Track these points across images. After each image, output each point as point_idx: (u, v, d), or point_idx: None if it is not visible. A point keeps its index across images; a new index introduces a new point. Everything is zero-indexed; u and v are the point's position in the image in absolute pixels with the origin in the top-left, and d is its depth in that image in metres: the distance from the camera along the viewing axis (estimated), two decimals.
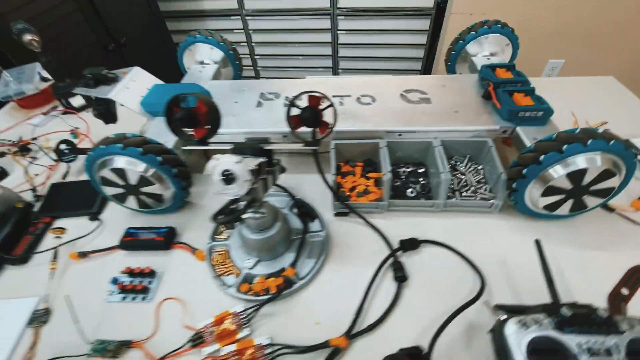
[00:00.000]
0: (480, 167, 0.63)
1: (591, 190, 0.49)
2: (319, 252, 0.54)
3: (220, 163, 0.38)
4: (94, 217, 0.63)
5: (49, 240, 0.61)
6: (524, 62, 0.78)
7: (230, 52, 0.84)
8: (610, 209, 0.57)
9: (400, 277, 0.50)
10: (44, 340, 0.49)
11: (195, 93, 0.46)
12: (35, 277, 0.56)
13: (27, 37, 0.74)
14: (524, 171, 0.50)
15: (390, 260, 0.52)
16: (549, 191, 0.50)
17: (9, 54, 1.02)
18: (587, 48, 1.51)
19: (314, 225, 0.58)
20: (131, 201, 0.59)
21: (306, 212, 0.59)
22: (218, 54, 0.84)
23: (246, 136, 0.63)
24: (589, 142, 0.45)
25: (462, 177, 0.62)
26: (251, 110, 0.67)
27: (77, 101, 0.90)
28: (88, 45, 1.25)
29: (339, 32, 1.88)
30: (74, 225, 0.63)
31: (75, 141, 0.75)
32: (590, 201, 0.51)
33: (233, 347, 0.44)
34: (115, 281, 0.53)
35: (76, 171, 0.74)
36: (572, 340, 0.35)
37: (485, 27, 0.75)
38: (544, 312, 0.38)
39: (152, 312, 0.50)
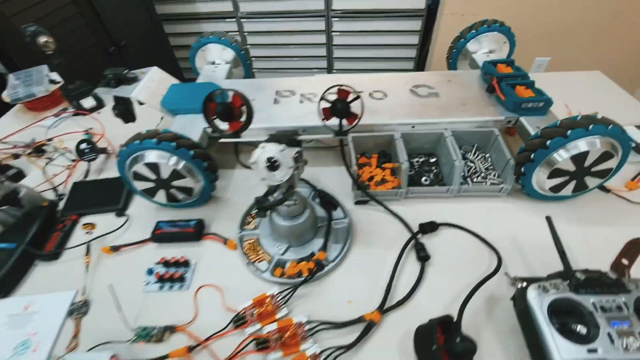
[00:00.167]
0: (487, 156, 0.67)
1: (592, 172, 0.54)
2: (345, 237, 0.58)
3: (266, 151, 0.41)
4: (121, 213, 0.65)
5: (77, 236, 0.63)
6: None
7: (242, 52, 0.87)
8: (607, 190, 0.63)
9: (424, 256, 0.54)
10: (85, 330, 0.50)
11: (230, 88, 0.49)
12: (67, 272, 0.58)
13: (42, 40, 0.75)
14: (532, 155, 0.54)
15: (412, 242, 0.56)
16: (554, 173, 0.55)
17: (14, 57, 1.01)
18: (572, 46, 1.60)
19: (337, 214, 0.61)
20: (160, 195, 0.61)
21: (328, 202, 0.62)
22: (229, 54, 0.87)
23: (268, 131, 0.65)
24: (590, 127, 0.50)
25: (472, 165, 0.66)
26: (269, 107, 0.70)
27: (87, 102, 0.92)
28: (89, 48, 1.25)
29: (333, 33, 1.93)
30: (101, 222, 0.64)
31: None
32: (591, 182, 0.56)
33: (274, 326, 0.47)
34: (150, 272, 0.55)
35: (96, 170, 0.76)
36: (586, 300, 0.40)
37: (485, 25, 0.80)
38: (560, 278, 0.43)
39: (190, 299, 0.52)
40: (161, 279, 0.54)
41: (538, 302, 0.41)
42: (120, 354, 0.46)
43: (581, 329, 0.39)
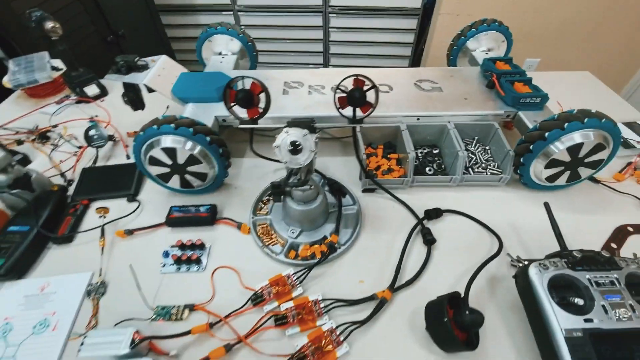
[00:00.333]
0: (487, 148, 0.71)
1: (585, 162, 0.58)
2: (354, 222, 0.60)
3: (290, 135, 0.43)
4: (132, 198, 0.66)
5: (89, 220, 0.63)
6: None
7: (249, 43, 0.88)
8: (597, 181, 0.67)
9: (430, 239, 0.57)
10: (103, 310, 0.52)
11: (248, 76, 0.51)
12: (81, 255, 0.58)
13: (49, 25, 0.75)
14: (531, 147, 0.58)
15: (419, 227, 0.59)
16: (551, 164, 0.58)
17: (14, 43, 1.00)
18: (560, 48, 1.66)
19: (346, 200, 0.64)
20: (174, 181, 0.62)
21: (338, 189, 0.64)
22: (236, 45, 0.88)
23: (279, 121, 0.67)
24: (586, 120, 0.54)
25: (472, 156, 0.70)
26: (279, 98, 0.72)
27: (91, 90, 0.91)
28: (88, 36, 1.24)
29: (330, 29, 1.95)
30: (112, 207, 0.65)
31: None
32: (583, 172, 0.61)
33: (290, 304, 0.50)
34: (167, 254, 0.57)
35: (103, 157, 0.76)
36: (582, 276, 0.44)
37: (485, 24, 0.84)
38: (558, 257, 0.47)
39: (206, 280, 0.54)
40: (178, 261, 0.55)
41: (539, 278, 0.44)
42: (142, 331, 0.48)
43: (578, 301, 0.42)
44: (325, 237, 0.58)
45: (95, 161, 0.73)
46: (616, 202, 0.64)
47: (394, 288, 0.51)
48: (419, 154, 0.72)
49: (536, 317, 0.44)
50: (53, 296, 0.53)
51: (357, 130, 0.67)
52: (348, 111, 0.53)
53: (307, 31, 1.97)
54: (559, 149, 0.56)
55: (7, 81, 0.87)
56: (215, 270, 0.55)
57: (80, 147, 0.77)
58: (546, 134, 0.56)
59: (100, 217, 0.61)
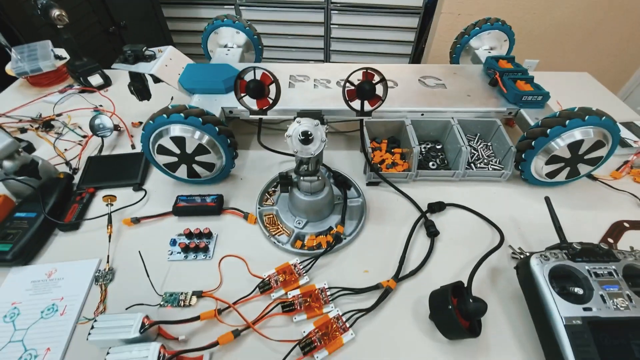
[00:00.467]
0: (489, 144, 0.72)
1: (585, 159, 0.60)
2: (359, 214, 0.62)
3: (302, 125, 0.43)
4: (138, 187, 0.66)
5: (95, 208, 0.64)
6: None
7: (255, 37, 0.88)
8: (594, 178, 0.69)
9: (433, 232, 0.58)
10: (112, 296, 0.52)
11: (260, 67, 0.51)
12: (88, 242, 0.59)
13: (55, 12, 0.75)
14: (533, 143, 0.59)
15: (422, 220, 0.61)
16: (552, 160, 0.60)
17: (17, 31, 0.99)
18: (559, 49, 1.69)
19: (351, 193, 0.65)
20: (182, 170, 0.62)
21: (343, 182, 0.65)
22: (242, 38, 0.88)
23: (285, 114, 0.68)
24: (587, 117, 0.56)
25: (475, 152, 0.71)
26: (285, 91, 0.72)
27: (95, 80, 0.91)
28: (90, 26, 1.23)
29: (332, 26, 1.95)
30: (118, 195, 0.65)
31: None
32: (583, 169, 0.62)
33: (297, 292, 0.51)
34: (174, 242, 0.57)
35: (108, 146, 0.76)
36: (582, 267, 0.45)
37: (488, 23, 0.85)
38: (558, 249, 0.48)
39: (214, 268, 0.55)
40: (186, 249, 0.56)
41: (540, 269, 0.46)
42: (151, 317, 0.48)
43: (578, 291, 0.44)
44: (331, 228, 0.59)
45: (100, 150, 0.73)
46: (613, 199, 0.66)
47: (398, 278, 0.52)
48: (423, 149, 0.73)
49: (537, 306, 0.45)
50: (61, 282, 0.53)
51: (358, 128, 0.68)
52: (355, 105, 0.54)
53: (309, 27, 1.97)
54: (559, 145, 0.58)
55: (10, 69, 0.87)
56: (222, 258, 0.56)
57: (85, 136, 0.78)
58: (548, 131, 0.58)
59: (107, 205, 0.61)
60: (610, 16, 1.56)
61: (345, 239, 0.57)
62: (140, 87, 0.73)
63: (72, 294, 0.52)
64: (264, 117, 0.54)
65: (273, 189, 0.66)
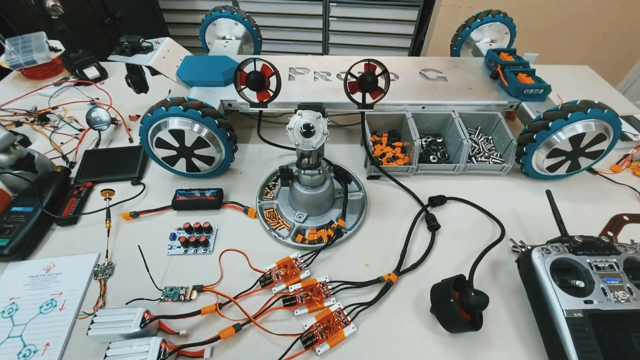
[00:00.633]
0: (490, 137, 0.72)
1: (586, 152, 0.60)
2: (360, 208, 0.61)
3: (303, 117, 0.43)
4: (137, 181, 0.66)
5: (93, 202, 0.63)
6: None
7: (254, 28, 0.87)
8: (594, 172, 0.69)
9: (434, 225, 0.58)
10: (111, 291, 0.52)
11: (260, 58, 0.50)
12: (86, 236, 0.58)
13: (50, 3, 0.73)
14: (535, 136, 0.59)
15: (423, 214, 0.60)
16: (553, 153, 0.60)
17: (11, 22, 0.97)
18: (558, 43, 1.68)
19: (352, 187, 0.65)
20: (181, 164, 0.62)
21: (343, 175, 0.65)
22: (240, 30, 0.87)
23: (285, 106, 0.67)
24: (589, 110, 0.55)
25: (475, 145, 0.71)
26: (285, 83, 0.71)
27: (90, 72, 0.90)
28: (84, 18, 1.21)
29: (330, 18, 1.93)
30: (117, 189, 0.64)
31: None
32: (583, 162, 0.62)
33: (298, 286, 0.50)
34: (174, 237, 0.57)
35: (105, 140, 0.75)
36: (583, 260, 0.45)
37: (490, 15, 0.84)
38: (559, 242, 0.48)
39: (214, 262, 0.54)
40: (186, 243, 0.55)
41: (541, 262, 0.46)
42: (151, 311, 0.48)
43: (579, 284, 0.44)
44: (331, 222, 0.59)
45: (97, 144, 0.72)
46: (613, 193, 0.66)
47: (399, 271, 0.52)
48: (423, 143, 0.72)
49: (538, 299, 0.45)
50: (59, 277, 0.53)
51: (359, 121, 0.67)
52: (357, 97, 0.53)
53: (307, 20, 1.95)
54: (561, 138, 0.58)
55: (4, 61, 0.85)
56: (223, 252, 0.55)
57: (81, 130, 0.77)
58: (550, 124, 0.57)
59: (106, 199, 0.60)
60: (609, 9, 1.55)
61: (346, 232, 0.57)
62: (137, 80, 0.71)
63: (71, 289, 0.52)
64: (264, 110, 0.54)
65: (273, 182, 0.66)
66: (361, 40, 2.00)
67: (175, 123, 0.55)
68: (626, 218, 0.61)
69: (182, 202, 0.60)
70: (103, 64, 0.93)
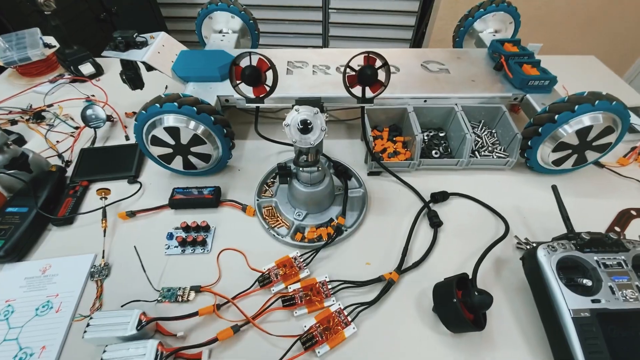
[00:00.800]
0: (493, 131, 0.70)
1: (593, 146, 0.58)
2: (361, 205, 0.60)
3: (300, 113, 0.41)
4: (133, 180, 0.65)
5: (89, 202, 0.62)
6: None
7: (251, 21, 0.85)
8: (601, 165, 0.67)
9: (436, 222, 0.57)
10: (108, 292, 0.51)
11: (256, 52, 0.49)
12: (82, 237, 0.57)
13: None
14: (540, 129, 0.57)
15: (425, 210, 0.59)
16: (559, 147, 0.58)
17: (3, 18, 0.95)
18: (563, 33, 1.64)
19: (352, 183, 0.63)
20: (177, 162, 0.60)
21: (343, 172, 0.64)
22: (237, 23, 0.85)
23: (283, 101, 0.66)
24: (596, 102, 0.53)
25: (479, 139, 0.69)
26: (283, 77, 0.70)
27: (86, 69, 0.88)
28: (80, 13, 1.19)
29: (330, 10, 1.90)
30: (113, 188, 0.63)
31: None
32: (590, 155, 0.60)
33: (298, 285, 0.49)
34: (171, 236, 0.56)
35: (101, 138, 0.74)
36: (590, 258, 0.44)
37: (493, 4, 0.82)
38: (566, 239, 0.47)
39: (212, 262, 0.53)
40: (183, 242, 0.54)
41: (547, 260, 0.45)
42: (148, 313, 0.47)
43: (586, 282, 0.43)
44: (331, 220, 0.57)
45: (93, 142, 0.71)
46: (620, 186, 0.64)
47: (401, 270, 0.51)
48: (425, 137, 0.71)
49: (544, 298, 0.44)
50: (55, 278, 0.52)
51: (359, 116, 0.66)
52: (356, 91, 0.51)
53: (306, 12, 1.92)
54: (567, 132, 0.56)
55: None
56: (221, 252, 0.54)
57: (77, 128, 0.75)
58: (556, 117, 0.55)
59: (101, 198, 0.59)
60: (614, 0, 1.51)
61: (346, 230, 0.56)
62: (132, 76, 0.70)
63: (68, 291, 0.51)
64: (261, 105, 0.52)
65: (272, 180, 0.65)
66: (362, 32, 1.97)
67: (170, 120, 0.54)
68: (634, 212, 0.60)
69: (180, 201, 0.59)
70: (99, 60, 0.91)
